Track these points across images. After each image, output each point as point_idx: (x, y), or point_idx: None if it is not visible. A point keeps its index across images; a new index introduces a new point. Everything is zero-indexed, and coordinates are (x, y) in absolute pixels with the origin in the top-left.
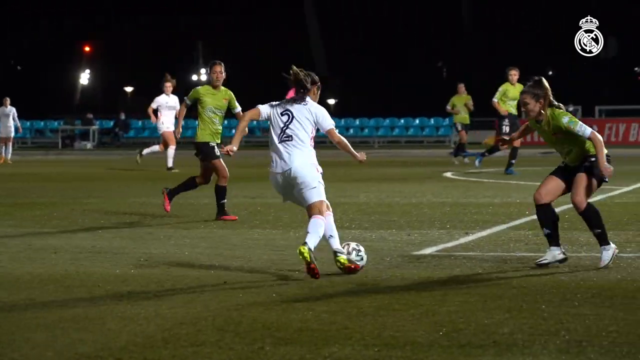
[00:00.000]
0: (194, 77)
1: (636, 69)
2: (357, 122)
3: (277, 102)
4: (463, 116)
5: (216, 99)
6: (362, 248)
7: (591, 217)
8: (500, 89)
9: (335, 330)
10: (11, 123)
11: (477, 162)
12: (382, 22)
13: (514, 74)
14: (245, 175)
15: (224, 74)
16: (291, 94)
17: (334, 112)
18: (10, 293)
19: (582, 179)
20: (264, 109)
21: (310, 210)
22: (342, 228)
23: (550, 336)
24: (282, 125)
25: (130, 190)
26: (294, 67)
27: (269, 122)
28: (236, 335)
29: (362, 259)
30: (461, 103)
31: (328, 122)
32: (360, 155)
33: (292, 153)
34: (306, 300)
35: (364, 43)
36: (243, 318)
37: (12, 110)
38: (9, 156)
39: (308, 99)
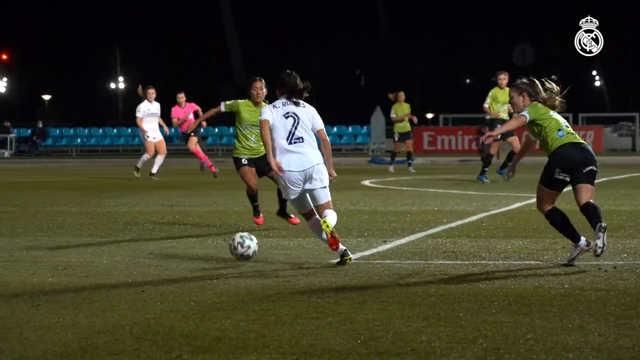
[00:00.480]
0: (112, 85)
1: (553, 76)
2: None
3: (272, 105)
4: (403, 125)
5: (254, 115)
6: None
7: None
8: (490, 93)
9: (253, 338)
10: None
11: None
12: (298, 30)
13: (503, 78)
14: (164, 184)
15: (264, 90)
16: (175, 111)
17: None
18: None
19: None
20: (269, 117)
21: (322, 208)
22: (260, 236)
23: (468, 344)
24: (289, 128)
25: (47, 199)
26: (290, 72)
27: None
28: (154, 344)
29: (249, 247)
30: (402, 111)
31: (319, 122)
32: (332, 175)
33: (308, 153)
34: (224, 309)
35: (280, 50)
36: (161, 327)
37: None
38: None
39: (301, 101)
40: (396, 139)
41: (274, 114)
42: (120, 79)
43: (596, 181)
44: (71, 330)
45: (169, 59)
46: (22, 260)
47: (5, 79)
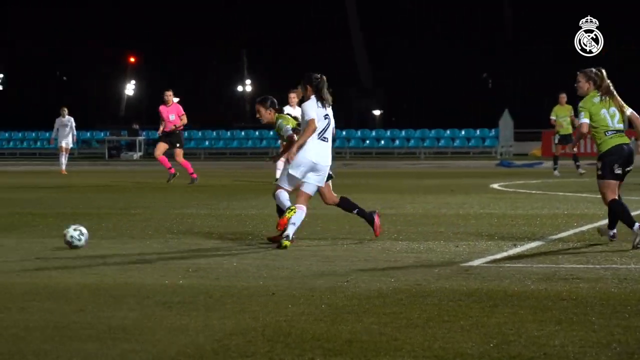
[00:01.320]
0: (239, 88)
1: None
2: (403, 133)
3: (311, 103)
4: (566, 127)
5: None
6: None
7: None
8: None
9: (385, 341)
10: (69, 133)
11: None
12: (427, 32)
13: None
14: None
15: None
16: (162, 109)
17: (378, 123)
18: (61, 304)
19: None
20: (314, 116)
21: (301, 196)
22: (390, 239)
23: (602, 348)
24: (323, 127)
25: (176, 201)
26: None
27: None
28: (286, 346)
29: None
30: (564, 113)
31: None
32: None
33: (327, 152)
34: (355, 312)
35: (408, 54)
36: (292, 329)
37: (70, 120)
38: (63, 167)
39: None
40: (556, 141)
41: (317, 113)
42: (247, 81)
43: None
44: (203, 332)
45: (294, 61)
46: (153, 263)
47: (133, 81)
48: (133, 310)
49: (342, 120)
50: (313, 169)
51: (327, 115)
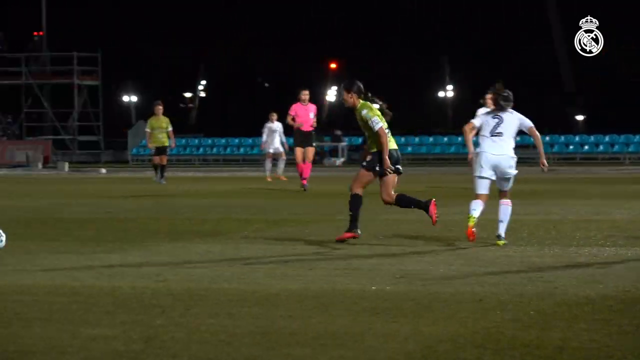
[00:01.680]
0: (441, 94)
1: None
2: (607, 138)
3: (486, 112)
4: None
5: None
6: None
7: None
8: None
9: (596, 348)
10: (278, 139)
11: None
12: (628, 33)
13: None
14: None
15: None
16: (295, 108)
17: (582, 128)
18: (268, 309)
19: None
20: (476, 121)
21: (504, 195)
22: (597, 245)
23: None
24: (493, 124)
25: (380, 207)
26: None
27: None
28: (496, 353)
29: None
30: None
31: (528, 122)
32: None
33: (501, 145)
34: (565, 318)
35: (610, 59)
36: (501, 336)
37: (279, 126)
38: (280, 172)
39: (511, 109)
40: None
41: (487, 116)
42: (449, 87)
43: None
44: (413, 338)
45: (494, 67)
46: (359, 269)
47: (334, 87)
48: (341, 316)
49: (545, 125)
50: (496, 164)
51: (495, 115)
